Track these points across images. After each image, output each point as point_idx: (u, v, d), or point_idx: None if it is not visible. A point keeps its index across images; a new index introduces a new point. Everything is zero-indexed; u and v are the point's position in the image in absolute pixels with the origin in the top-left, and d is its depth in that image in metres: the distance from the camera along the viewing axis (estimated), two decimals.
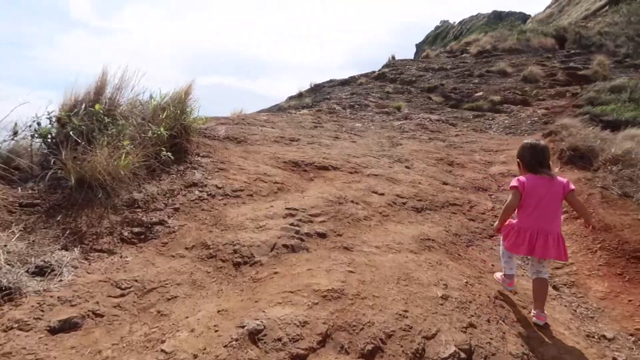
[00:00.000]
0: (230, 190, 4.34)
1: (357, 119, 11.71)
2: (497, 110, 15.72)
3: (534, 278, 3.20)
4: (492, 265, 4.18)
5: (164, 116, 4.34)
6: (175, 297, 2.74)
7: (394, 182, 5.85)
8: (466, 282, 3.39)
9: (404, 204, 5.17)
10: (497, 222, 3.46)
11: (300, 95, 15.71)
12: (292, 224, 3.73)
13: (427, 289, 3.10)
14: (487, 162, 8.21)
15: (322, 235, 3.68)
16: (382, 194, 5.29)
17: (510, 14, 61.10)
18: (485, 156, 8.68)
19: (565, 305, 3.66)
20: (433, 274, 3.37)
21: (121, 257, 3.10)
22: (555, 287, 3.95)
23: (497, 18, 59.92)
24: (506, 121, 14.66)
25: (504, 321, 2.99)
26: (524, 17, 50.34)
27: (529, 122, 14.43)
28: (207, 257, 3.24)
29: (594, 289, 3.90)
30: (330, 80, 17.80)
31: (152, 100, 4.54)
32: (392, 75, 19.65)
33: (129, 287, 2.74)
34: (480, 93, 17.36)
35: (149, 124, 4.09)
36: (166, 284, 2.85)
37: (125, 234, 3.36)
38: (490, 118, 14.97)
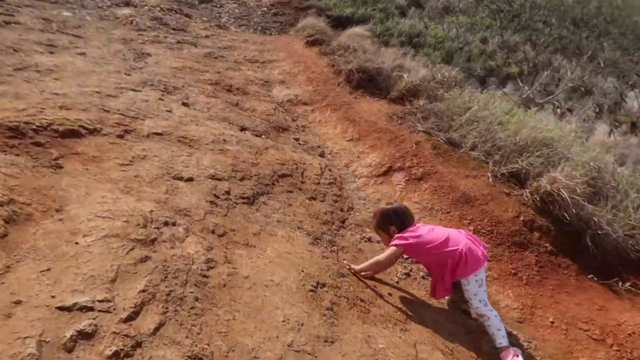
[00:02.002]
0: None
1: (61, 1, 8.10)
2: None
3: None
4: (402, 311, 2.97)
5: None
6: None
7: (192, 145, 3.80)
8: None
9: (228, 193, 3.32)
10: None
11: None
12: None
13: None
14: (264, 82, 6.66)
15: None
16: (191, 179, 3.28)
17: None
18: (257, 71, 7.08)
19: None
20: None
21: None
22: (465, 312, 3.04)
23: None
24: (236, 10, 13.19)
25: None
26: None
27: (259, 12, 13.31)
28: None
29: (504, 305, 3.17)
30: None
31: None
32: None
33: None
34: None
35: None
36: None
37: None
38: (218, 5, 13.24)
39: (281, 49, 8.47)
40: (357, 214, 3.94)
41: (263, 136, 4.79)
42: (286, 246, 2.94)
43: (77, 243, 2.22)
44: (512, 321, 3.01)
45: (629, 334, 2.90)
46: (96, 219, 2.43)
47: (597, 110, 7.92)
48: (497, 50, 15.61)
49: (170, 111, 4.34)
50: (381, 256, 2.92)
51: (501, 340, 2.70)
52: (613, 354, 2.77)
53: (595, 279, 3.48)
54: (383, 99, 6.22)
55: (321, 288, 2.61)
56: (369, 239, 3.59)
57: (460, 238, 2.87)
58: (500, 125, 5.01)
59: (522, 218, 3.73)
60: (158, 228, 2.54)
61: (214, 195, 3.22)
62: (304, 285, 2.56)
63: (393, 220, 2.92)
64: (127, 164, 3.18)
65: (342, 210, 3.90)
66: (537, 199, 3.81)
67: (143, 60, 6.07)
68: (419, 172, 4.37)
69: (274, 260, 2.72)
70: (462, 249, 2.78)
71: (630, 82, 9.33)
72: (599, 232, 3.66)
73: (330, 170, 4.42)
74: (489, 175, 4.20)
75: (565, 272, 3.46)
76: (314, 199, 3.85)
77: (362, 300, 2.69)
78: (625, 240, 3.74)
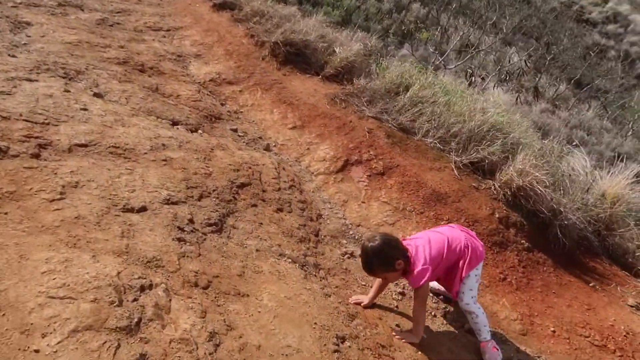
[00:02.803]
0: None
1: None
2: None
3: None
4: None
5: None
6: None
7: (128, 157, 3.09)
8: None
9: (192, 221, 2.74)
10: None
11: None
12: None
13: None
14: (177, 57, 5.80)
15: None
16: (144, 209, 2.64)
17: None
18: (165, 43, 6.15)
19: None
20: None
21: None
22: (470, 331, 2.87)
23: None
24: None
25: None
26: None
27: None
28: None
29: (504, 316, 3.05)
30: None
31: None
32: None
33: None
34: None
35: None
36: None
37: None
38: None
39: (184, 13, 7.47)
40: (328, 222, 3.55)
41: (199, 131, 4.12)
42: (281, 287, 2.48)
43: (37, 351, 1.58)
44: (516, 334, 2.92)
45: (624, 335, 2.97)
46: (51, 302, 1.76)
47: (506, 78, 8.25)
48: (392, 9, 15.70)
49: (85, 109, 3.48)
50: (417, 306, 2.56)
51: (486, 335, 2.64)
52: None
53: (595, 284, 3.55)
54: (315, 75, 5.75)
55: (342, 343, 2.23)
56: (352, 254, 3.24)
57: (458, 234, 2.69)
58: (446, 107, 4.86)
59: (497, 215, 3.63)
60: (136, 299, 1.94)
61: (178, 227, 2.61)
62: (325, 345, 2.15)
63: (395, 255, 2.48)
64: (59, 199, 2.43)
65: (311, 220, 3.48)
66: (509, 193, 3.74)
67: (23, 32, 4.88)
68: (380, 166, 4.07)
69: (278, 313, 2.26)
70: (466, 244, 2.62)
71: (532, 49, 9.87)
72: (566, 222, 3.70)
73: (284, 169, 3.93)
74: (453, 167, 4.04)
75: (545, 269, 3.46)
76: (281, 210, 3.37)
77: (383, 347, 2.37)
78: (582, 224, 3.86)
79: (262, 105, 5.13)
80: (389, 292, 2.97)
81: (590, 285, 3.48)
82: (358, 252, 3.30)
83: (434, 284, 3.04)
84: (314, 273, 2.84)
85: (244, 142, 4.32)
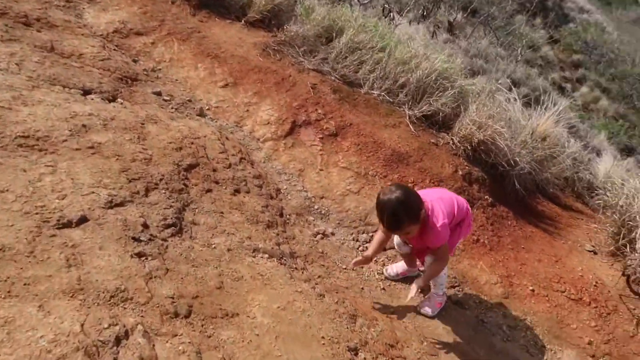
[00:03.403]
0: None
1: None
2: None
3: None
4: None
5: None
6: None
7: (44, 148, 2.47)
8: None
9: (146, 225, 2.29)
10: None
11: None
12: None
13: None
14: (66, 2, 4.81)
15: None
16: (84, 220, 2.13)
17: None
18: None
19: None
20: None
21: None
22: (458, 303, 2.78)
23: None
24: None
25: None
26: None
27: None
28: None
29: (484, 281, 2.99)
30: None
31: None
32: None
33: None
34: None
35: None
36: None
37: None
38: None
39: None
40: (289, 197, 3.21)
41: (118, 99, 3.46)
42: (269, 295, 2.15)
43: None
44: (499, 298, 2.89)
45: (595, 285, 3.07)
46: None
47: (424, 13, 8.07)
48: None
49: None
50: (436, 266, 2.38)
51: (438, 290, 2.61)
52: (594, 312, 2.90)
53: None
54: (237, 21, 5.10)
55: (356, 356, 1.99)
56: (323, 234, 2.97)
57: (460, 197, 2.59)
58: (387, 53, 4.56)
59: (460, 172, 3.52)
60: (116, 358, 1.51)
61: (132, 238, 2.13)
62: None
63: (420, 205, 2.20)
64: None
65: (272, 197, 3.11)
66: (469, 147, 3.62)
67: None
68: (332, 126, 3.74)
69: (279, 332, 1.95)
70: (467, 206, 2.54)
71: None
72: (521, 171, 3.71)
73: (227, 139, 3.46)
74: (408, 122, 3.82)
75: (509, 222, 3.46)
76: (238, 191, 2.95)
77: (391, 346, 2.17)
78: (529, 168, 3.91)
79: (182, 59, 4.45)
80: (374, 273, 2.76)
81: (551, 235, 3.56)
82: (329, 230, 3.04)
83: (394, 269, 2.82)
84: (295, 266, 2.53)
85: (172, 107, 3.72)
